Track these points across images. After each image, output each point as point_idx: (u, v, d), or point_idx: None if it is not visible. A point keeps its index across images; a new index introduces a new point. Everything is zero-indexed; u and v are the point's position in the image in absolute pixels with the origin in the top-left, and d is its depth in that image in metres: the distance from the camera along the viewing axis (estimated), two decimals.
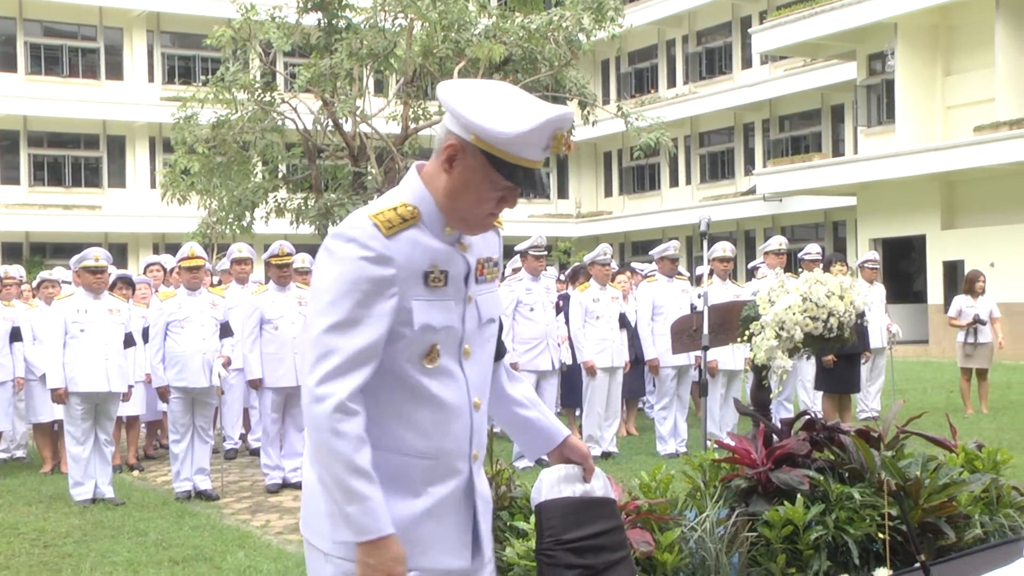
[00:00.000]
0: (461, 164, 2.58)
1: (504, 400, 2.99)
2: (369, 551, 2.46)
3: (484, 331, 2.76)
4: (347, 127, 16.75)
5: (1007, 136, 26.90)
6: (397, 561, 2.46)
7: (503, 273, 13.38)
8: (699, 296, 8.90)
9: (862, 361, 12.70)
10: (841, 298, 6.54)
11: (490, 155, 2.53)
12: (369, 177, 16.54)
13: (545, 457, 3.01)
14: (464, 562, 2.61)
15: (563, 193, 46.51)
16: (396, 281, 2.53)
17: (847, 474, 5.22)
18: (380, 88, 24.48)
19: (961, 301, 15.18)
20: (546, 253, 11.33)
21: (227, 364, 9.84)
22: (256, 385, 10.10)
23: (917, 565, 2.06)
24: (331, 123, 16.86)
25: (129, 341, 9.69)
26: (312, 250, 13.63)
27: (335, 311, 2.49)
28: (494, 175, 2.56)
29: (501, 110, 2.51)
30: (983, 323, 14.49)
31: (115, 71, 38.13)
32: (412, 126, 17.34)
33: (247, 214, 17.40)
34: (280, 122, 17.09)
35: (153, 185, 34.81)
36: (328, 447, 2.47)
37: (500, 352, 2.90)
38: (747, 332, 6.52)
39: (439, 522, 2.58)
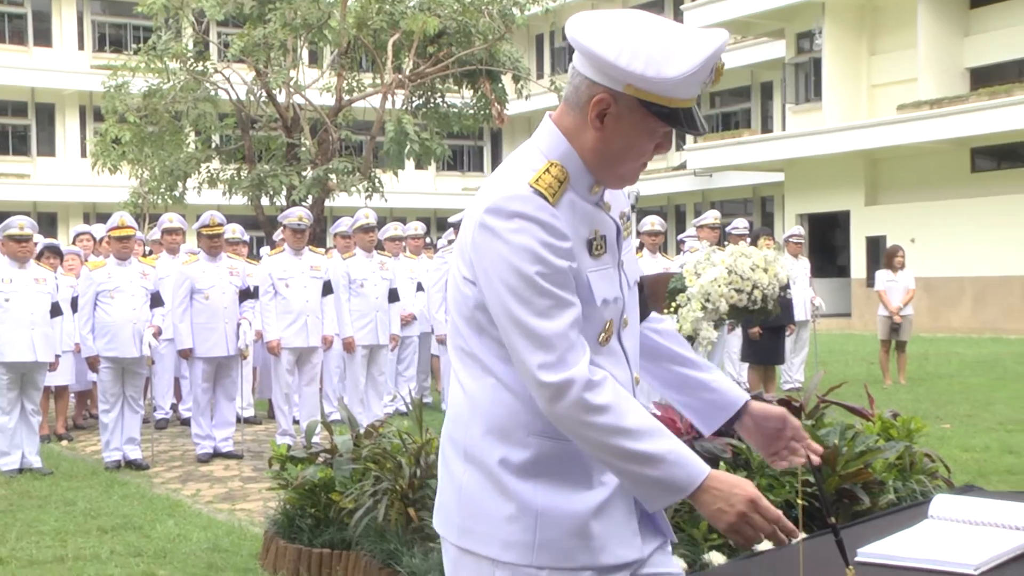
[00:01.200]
0: (614, 117, 2.20)
1: (661, 356, 2.57)
2: (708, 498, 2.13)
3: (633, 295, 2.42)
4: (281, 98, 16.56)
5: (928, 115, 27.30)
6: (735, 485, 2.13)
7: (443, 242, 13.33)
8: None
9: (786, 333, 12.86)
10: (765, 271, 6.63)
11: (647, 102, 2.18)
12: (303, 149, 16.37)
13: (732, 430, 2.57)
14: (639, 552, 2.28)
15: (497, 166, 46.38)
16: (573, 254, 2.19)
17: None
18: (314, 59, 24.20)
19: (882, 275, 15.45)
20: None
21: (158, 334, 9.75)
22: (187, 355, 10.02)
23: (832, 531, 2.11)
24: (264, 94, 16.66)
25: (56, 311, 9.55)
26: (245, 221, 13.64)
27: (531, 296, 2.13)
28: (653, 122, 2.21)
29: (658, 51, 2.15)
30: (898, 325, 14.79)
31: (44, 38, 37.30)
32: (346, 98, 17.18)
33: (179, 184, 17.15)
34: (213, 92, 16.84)
35: (84, 154, 34.16)
36: (593, 436, 2.14)
37: (645, 312, 2.54)
38: (674, 304, 6.58)
39: (612, 514, 2.27)
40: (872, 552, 2.29)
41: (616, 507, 2.27)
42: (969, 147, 27.70)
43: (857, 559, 2.16)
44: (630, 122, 2.20)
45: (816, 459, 2.39)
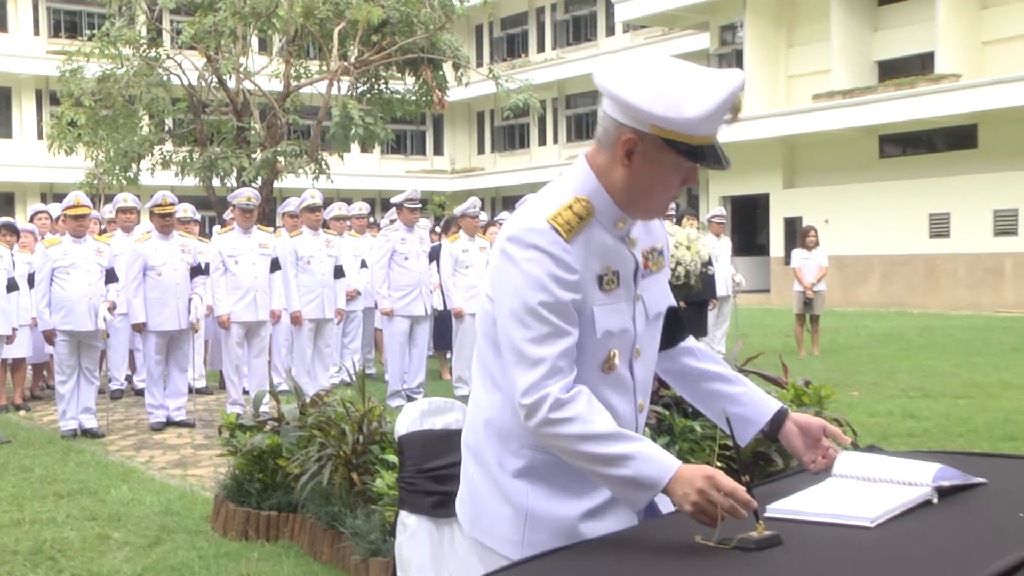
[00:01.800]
0: (641, 155, 2.27)
1: (693, 377, 2.64)
2: (677, 487, 2.16)
3: (653, 326, 2.48)
4: (231, 84, 16.33)
5: (841, 104, 27.62)
6: (696, 469, 2.17)
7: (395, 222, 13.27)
8: None
9: (709, 308, 12.98)
10: (688, 248, 6.66)
11: (671, 140, 2.23)
12: (252, 132, 16.19)
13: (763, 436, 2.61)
14: None
15: (438, 150, 46.28)
16: (580, 287, 2.26)
17: (690, 409, 5.34)
18: (263, 47, 23.91)
19: (797, 254, 15.64)
20: (420, 206, 11.31)
21: (112, 308, 9.69)
22: (140, 328, 9.90)
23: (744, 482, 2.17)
24: (215, 80, 16.43)
25: (12, 286, 9.42)
26: (196, 201, 13.47)
27: (531, 322, 2.21)
28: (677, 159, 2.26)
29: (678, 93, 2.20)
30: (811, 300, 15.00)
31: (0, 24, 36.55)
32: (294, 84, 17.01)
33: (133, 166, 16.91)
34: (165, 78, 16.58)
35: (40, 136, 33.52)
36: (564, 446, 2.21)
37: (679, 336, 2.59)
38: None
39: (605, 518, 2.32)
40: (780, 508, 2.32)
41: (611, 512, 2.33)
42: (878, 134, 28.07)
43: (767, 515, 2.19)
44: (656, 159, 2.27)
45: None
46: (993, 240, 25.75)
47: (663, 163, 2.28)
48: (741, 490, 2.14)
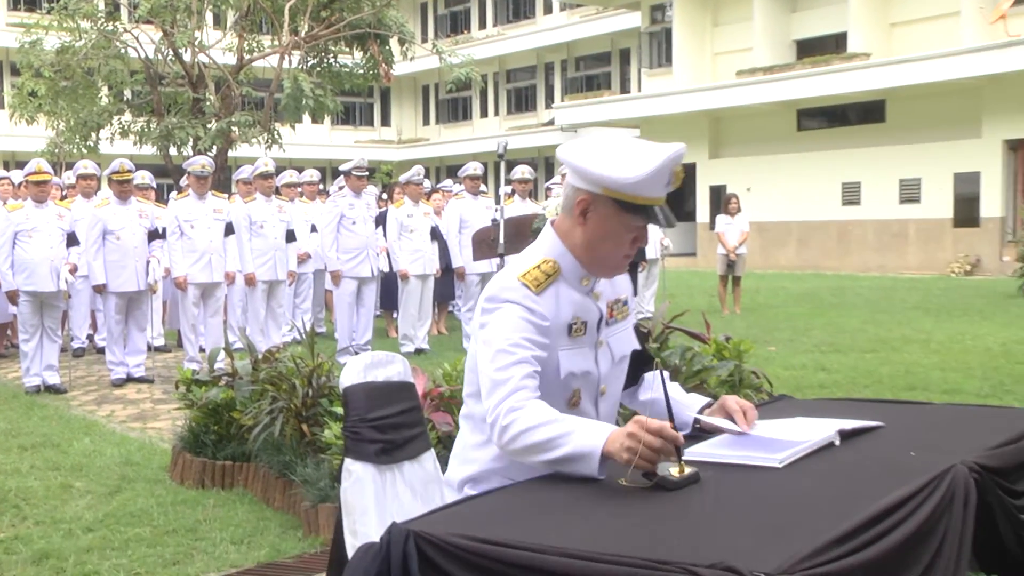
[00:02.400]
0: (595, 214, 2.48)
1: (644, 394, 2.80)
2: (611, 448, 2.20)
3: (618, 368, 2.66)
4: (186, 57, 16.06)
5: (762, 80, 27.80)
6: (627, 427, 2.20)
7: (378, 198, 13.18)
8: (495, 210, 8.98)
9: (639, 269, 13.05)
10: None
11: (620, 201, 2.44)
12: (207, 103, 15.94)
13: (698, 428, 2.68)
14: None
15: (386, 121, 45.93)
16: (549, 333, 2.44)
17: None
18: (217, 22, 23.49)
19: (721, 219, 15.77)
20: (367, 173, 11.23)
21: (73, 271, 9.55)
22: (100, 290, 9.77)
23: None
24: (171, 53, 16.14)
25: None
26: (154, 169, 13.27)
27: (501, 357, 2.38)
28: (626, 217, 2.46)
29: (624, 159, 2.43)
30: (733, 262, 15.17)
31: None
32: (247, 57, 16.75)
33: (93, 135, 16.60)
34: (123, 50, 16.25)
35: (2, 106, 32.73)
36: (515, 445, 2.31)
37: (644, 371, 2.75)
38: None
39: None
40: (698, 451, 2.36)
41: None
42: (796, 109, 28.29)
43: (685, 458, 2.23)
44: (607, 216, 2.47)
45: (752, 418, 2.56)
46: (899, 207, 26.15)
47: (613, 220, 2.47)
48: (667, 427, 2.18)
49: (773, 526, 1.86)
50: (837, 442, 2.44)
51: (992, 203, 24.34)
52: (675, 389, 2.77)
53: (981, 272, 23.96)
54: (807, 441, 2.38)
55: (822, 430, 2.47)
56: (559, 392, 2.47)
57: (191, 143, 15.60)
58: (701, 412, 2.68)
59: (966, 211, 24.81)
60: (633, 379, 2.75)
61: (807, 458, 2.32)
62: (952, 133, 24.84)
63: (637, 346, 2.72)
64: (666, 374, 2.41)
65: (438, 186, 14.82)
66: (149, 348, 10.26)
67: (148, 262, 9.75)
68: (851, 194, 27.09)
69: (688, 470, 2.16)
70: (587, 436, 2.23)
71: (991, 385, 8.57)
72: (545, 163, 38.33)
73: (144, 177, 11.34)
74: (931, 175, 25.32)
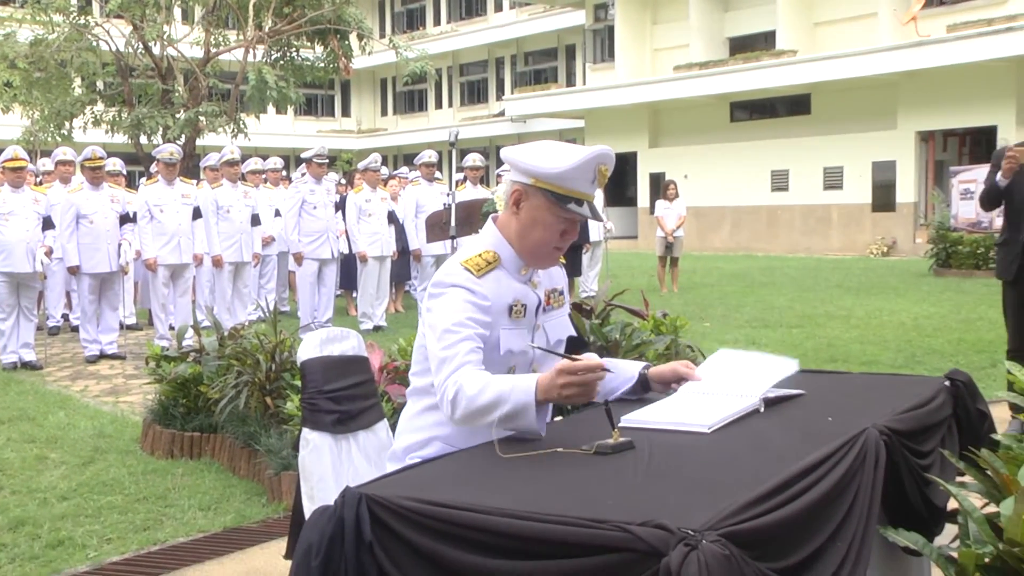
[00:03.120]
0: (527, 204, 2.55)
1: None
2: (546, 397, 2.27)
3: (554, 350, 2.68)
4: (156, 50, 15.80)
5: (698, 75, 27.90)
6: (553, 376, 2.26)
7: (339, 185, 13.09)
8: (447, 195, 8.95)
9: (584, 251, 13.10)
10: None
11: (549, 191, 2.50)
12: (176, 94, 15.71)
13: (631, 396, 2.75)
14: None
15: (346, 112, 45.54)
16: (490, 312, 2.48)
17: None
18: (185, 17, 23.10)
19: (660, 204, 15.83)
20: (327, 161, 11.13)
21: (49, 253, 9.42)
22: (74, 271, 9.63)
23: (603, 402, 2.24)
24: (141, 46, 15.87)
25: None
26: (125, 156, 13.04)
27: (448, 335, 2.42)
28: (555, 208, 2.51)
29: (553, 154, 2.50)
30: (671, 244, 15.24)
31: None
32: (213, 51, 16.52)
33: (66, 124, 16.33)
34: (94, 43, 15.96)
35: None
36: (465, 413, 2.34)
37: (583, 349, 2.69)
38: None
39: None
40: (632, 419, 2.38)
41: None
42: (729, 102, 28.46)
43: (620, 424, 2.24)
44: (538, 206, 2.53)
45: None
46: (823, 193, 26.43)
47: (543, 209, 2.53)
48: (584, 361, 2.27)
49: (701, 487, 1.87)
50: (762, 409, 2.46)
51: (906, 189, 24.68)
52: (613, 362, 2.80)
53: (897, 253, 24.31)
54: (734, 409, 2.40)
55: (749, 395, 2.49)
56: (498, 367, 2.50)
57: (161, 132, 15.38)
58: (643, 384, 2.73)
59: (883, 197, 25.13)
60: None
61: (733, 424, 2.34)
62: (871, 125, 25.14)
63: (571, 332, 2.77)
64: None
65: (395, 173, 14.75)
66: (121, 326, 10.13)
67: (120, 245, 9.63)
68: (779, 181, 27.33)
69: (622, 438, 2.17)
70: (519, 394, 2.30)
71: (904, 357, 8.71)
72: (496, 152, 38.15)
73: (115, 164, 11.19)
74: (852, 163, 25.61)
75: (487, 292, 2.49)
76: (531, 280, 2.63)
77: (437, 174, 12.55)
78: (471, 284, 2.48)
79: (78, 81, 17.32)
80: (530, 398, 2.27)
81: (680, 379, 2.69)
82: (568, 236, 2.58)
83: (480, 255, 2.55)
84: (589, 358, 2.29)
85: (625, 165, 32.01)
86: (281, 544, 3.82)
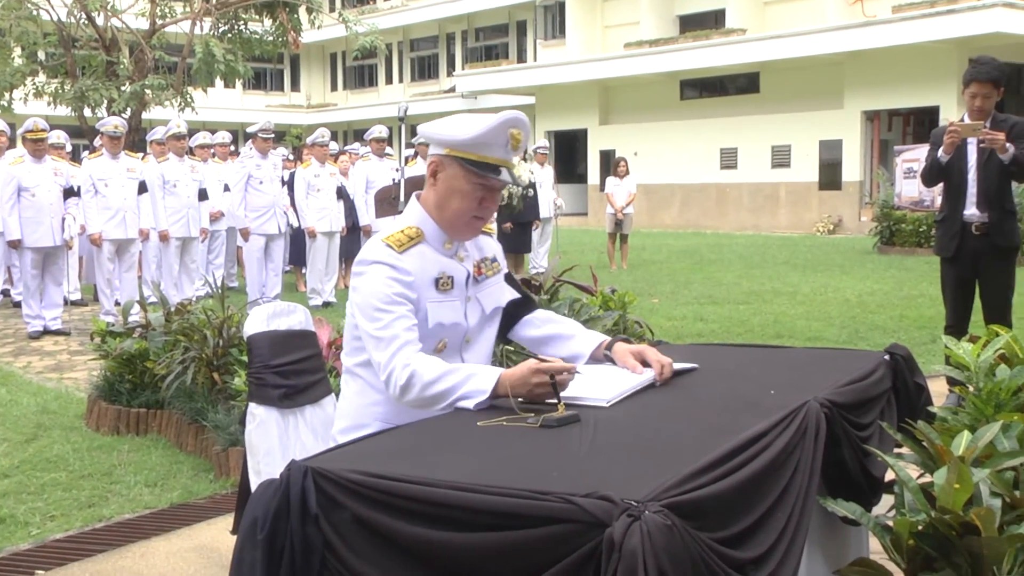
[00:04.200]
0: (443, 174, 2.56)
1: (536, 342, 2.81)
2: (514, 391, 2.29)
3: (489, 321, 2.70)
4: (99, 20, 15.46)
5: (648, 52, 27.98)
6: (526, 373, 2.28)
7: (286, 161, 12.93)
8: (396, 170, 8.91)
9: (533, 228, 13.12)
10: None
11: (463, 159, 2.51)
12: (121, 66, 15.39)
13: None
14: None
15: (295, 87, 45.01)
16: (414, 287, 2.48)
17: None
18: None
19: (610, 181, 15.88)
20: (273, 135, 11.01)
21: None
22: (16, 245, 9.43)
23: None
24: (84, 16, 15.51)
25: None
26: (69, 129, 12.77)
27: (378, 315, 2.43)
28: (471, 175, 2.51)
29: (464, 123, 2.52)
30: (621, 221, 15.30)
31: None
32: (159, 22, 16.20)
33: (6, 95, 15.92)
34: (35, 12, 15.57)
35: None
36: (415, 398, 2.37)
37: (523, 312, 2.79)
38: None
39: None
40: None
41: None
42: (679, 79, 28.58)
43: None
44: (454, 175, 2.54)
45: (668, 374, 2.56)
46: (771, 171, 26.70)
47: (460, 179, 2.53)
48: (559, 364, 2.31)
49: (645, 459, 1.89)
50: (657, 384, 2.51)
51: (852, 168, 25.01)
52: (572, 324, 2.85)
53: (842, 231, 24.66)
54: (631, 383, 2.45)
55: (644, 374, 2.52)
56: (427, 340, 2.51)
57: (105, 105, 15.08)
58: (610, 348, 2.70)
59: (830, 175, 25.45)
60: (514, 320, 2.79)
61: (678, 398, 2.37)
62: (818, 104, 25.40)
63: (511, 297, 2.76)
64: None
65: (347, 148, 14.62)
66: (65, 302, 9.97)
67: (63, 219, 9.44)
68: (729, 159, 27.55)
69: (568, 412, 2.18)
70: (476, 382, 2.33)
71: (848, 332, 8.85)
72: None
73: (59, 137, 10.98)
74: (799, 142, 25.88)
75: (409, 267, 2.49)
76: (457, 254, 2.62)
77: (388, 149, 12.47)
78: (392, 260, 2.48)
79: (18, 51, 16.89)
80: (485, 394, 2.30)
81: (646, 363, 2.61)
82: (487, 204, 2.58)
83: (402, 231, 2.56)
84: (555, 360, 2.33)
85: (575, 142, 32.06)
86: (229, 519, 3.81)
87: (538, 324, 2.83)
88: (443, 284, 2.55)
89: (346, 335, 2.61)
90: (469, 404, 2.32)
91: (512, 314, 2.79)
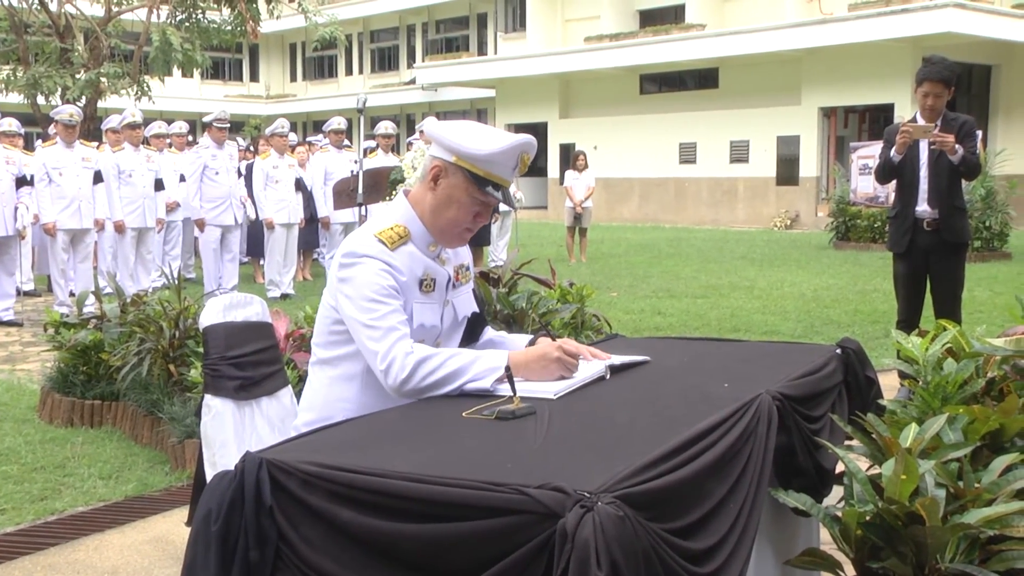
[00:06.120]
0: (445, 181, 2.53)
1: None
2: (527, 371, 2.38)
3: (457, 328, 2.71)
4: (53, 6, 15.22)
5: (608, 46, 28.05)
6: (540, 347, 2.40)
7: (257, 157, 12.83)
8: (355, 162, 8.88)
9: (493, 221, 13.10)
10: None
11: (470, 172, 2.49)
12: (75, 53, 15.16)
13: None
14: None
15: (254, 77, 44.60)
16: (405, 286, 2.49)
17: None
18: None
19: (569, 175, 15.92)
20: (228, 125, 10.92)
21: None
22: None
23: (505, 369, 2.30)
24: (36, 1, 15.26)
25: None
26: (21, 117, 12.53)
27: (372, 307, 2.41)
28: (473, 189, 2.51)
29: (479, 135, 2.50)
30: (580, 215, 15.35)
31: None
32: (115, 9, 15.97)
33: None
34: None
35: None
36: (417, 387, 2.37)
37: (479, 333, 2.78)
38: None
39: None
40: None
41: None
42: (638, 74, 28.69)
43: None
44: (455, 185, 2.52)
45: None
46: (729, 166, 26.90)
47: (460, 188, 2.52)
48: (580, 346, 2.50)
49: (598, 451, 1.90)
50: (607, 376, 2.52)
51: (809, 164, 25.27)
52: (503, 335, 2.88)
53: (799, 226, 24.91)
54: (580, 376, 2.45)
55: (593, 367, 2.54)
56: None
57: (59, 92, 14.85)
58: (533, 343, 2.71)
59: (787, 171, 25.69)
60: (472, 337, 2.79)
61: (633, 390, 2.39)
62: (776, 100, 25.62)
63: (476, 309, 2.78)
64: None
65: (308, 140, 14.53)
66: (18, 292, 9.83)
67: (16, 208, 9.30)
68: (687, 153, 27.70)
69: (524, 404, 2.19)
70: (484, 363, 2.37)
71: (804, 327, 8.95)
72: (407, 120, 37.89)
73: (11, 124, 10.75)
74: (757, 137, 26.09)
75: (400, 266, 2.49)
76: (439, 257, 2.62)
77: (346, 141, 12.42)
78: (386, 256, 2.47)
79: None
80: (499, 370, 2.33)
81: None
82: (480, 219, 2.59)
83: (392, 228, 2.54)
84: (580, 349, 2.49)
85: (535, 135, 31.85)
86: (184, 512, 3.78)
87: (485, 342, 2.85)
88: (426, 286, 2.56)
89: (319, 326, 2.58)
90: (485, 383, 2.34)
91: (472, 328, 2.79)
